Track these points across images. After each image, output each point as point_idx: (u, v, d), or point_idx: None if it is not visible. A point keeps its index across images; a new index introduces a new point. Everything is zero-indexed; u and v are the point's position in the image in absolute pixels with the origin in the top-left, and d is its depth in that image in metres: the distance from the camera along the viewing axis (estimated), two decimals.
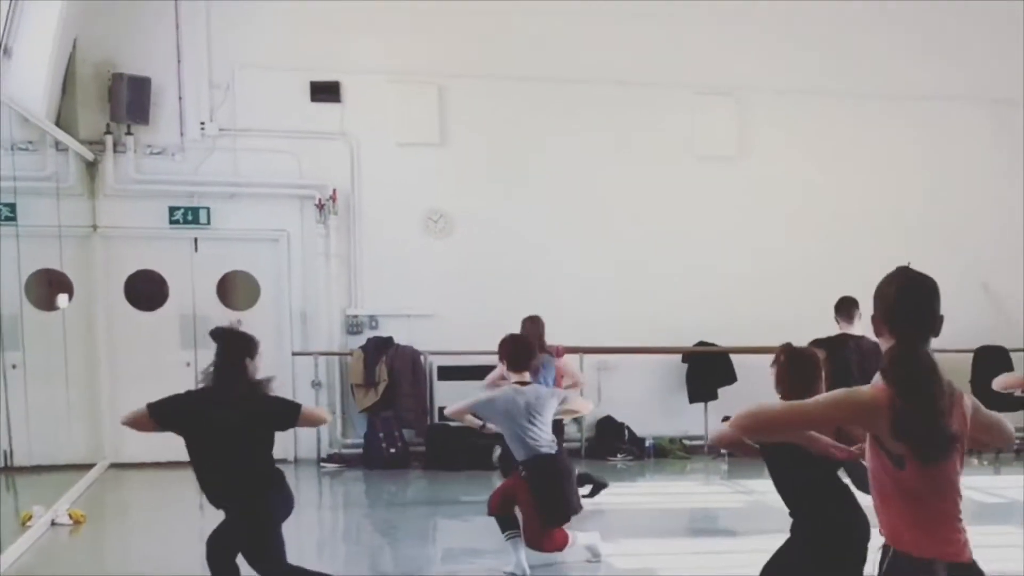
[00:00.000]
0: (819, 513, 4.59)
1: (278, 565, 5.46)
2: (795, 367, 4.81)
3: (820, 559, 4.55)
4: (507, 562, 7.09)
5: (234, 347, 5.39)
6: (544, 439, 6.97)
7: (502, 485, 7.43)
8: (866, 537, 4.43)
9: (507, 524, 7.11)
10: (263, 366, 5.52)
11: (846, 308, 8.79)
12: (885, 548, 3.16)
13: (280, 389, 12.90)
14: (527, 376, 7.19)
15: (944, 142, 13.70)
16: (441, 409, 12.28)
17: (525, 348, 7.35)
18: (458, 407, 7.20)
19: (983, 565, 3.22)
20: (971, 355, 12.91)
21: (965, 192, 13.64)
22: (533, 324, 9.23)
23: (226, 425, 5.27)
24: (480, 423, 7.28)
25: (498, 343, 7.34)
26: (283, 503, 5.55)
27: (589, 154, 12.99)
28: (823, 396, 3.23)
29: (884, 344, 3.23)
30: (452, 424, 11.95)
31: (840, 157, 13.47)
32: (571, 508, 7.07)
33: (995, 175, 13.69)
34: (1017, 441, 12.63)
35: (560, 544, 7.15)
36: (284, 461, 12.20)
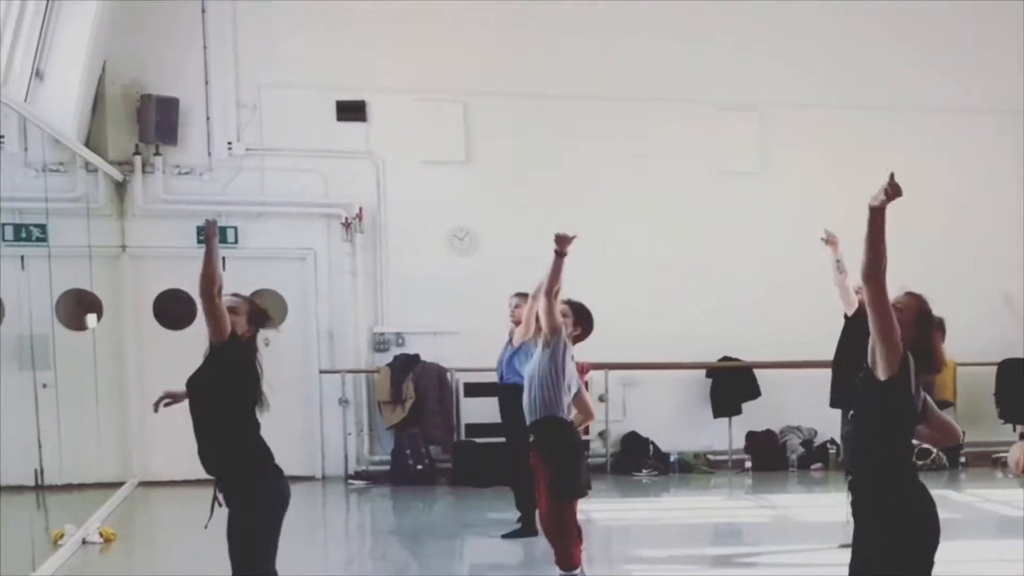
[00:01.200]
0: None
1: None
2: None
3: None
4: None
5: None
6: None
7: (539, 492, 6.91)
8: None
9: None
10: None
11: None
12: None
13: (308, 406, 13.07)
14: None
15: (967, 155, 13.67)
16: (467, 425, 12.37)
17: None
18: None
19: None
20: (994, 368, 12.87)
21: (988, 205, 13.58)
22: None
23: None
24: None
25: (575, 307, 7.01)
26: None
27: (612, 170, 13.02)
28: None
29: None
30: (478, 441, 12.04)
31: (862, 170, 13.39)
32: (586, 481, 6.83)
33: (1018, 187, 13.62)
34: None
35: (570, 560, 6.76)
36: (312, 479, 12.29)
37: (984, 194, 13.64)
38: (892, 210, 13.54)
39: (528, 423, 6.75)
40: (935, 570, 4.09)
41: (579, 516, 9.21)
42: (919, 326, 4.40)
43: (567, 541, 6.75)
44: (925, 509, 4.26)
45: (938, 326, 4.56)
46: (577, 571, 6.77)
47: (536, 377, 6.67)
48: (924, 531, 4.25)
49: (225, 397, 5.15)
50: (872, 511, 4.24)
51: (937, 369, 4.44)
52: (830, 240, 8.78)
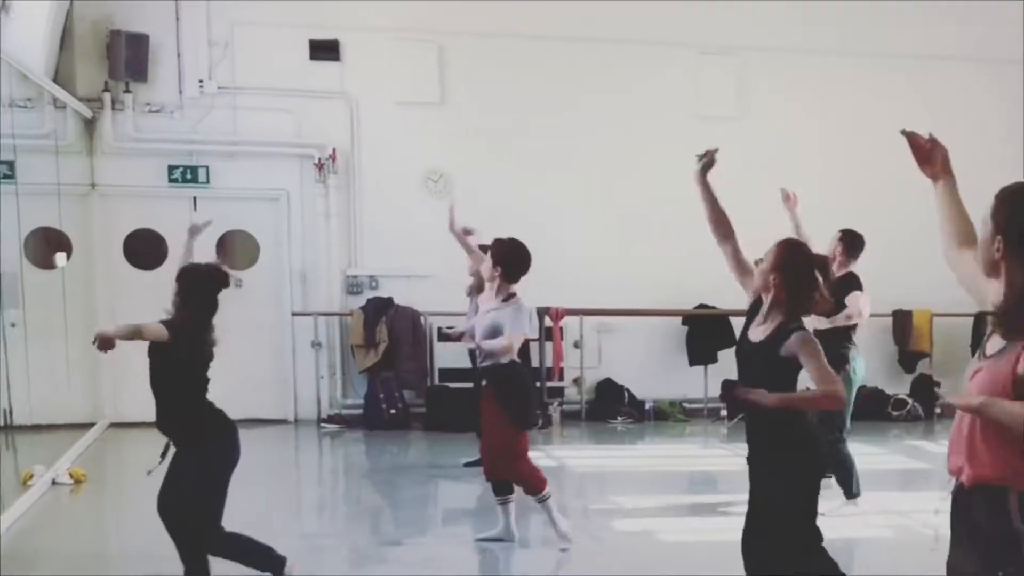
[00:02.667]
0: None
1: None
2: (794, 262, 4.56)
3: None
4: (493, 525, 7.08)
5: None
6: None
7: (483, 438, 7.19)
8: None
9: (503, 489, 7.01)
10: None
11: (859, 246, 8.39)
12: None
13: (280, 349, 12.98)
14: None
15: (954, 104, 13.56)
16: (441, 370, 12.32)
17: (527, 258, 6.94)
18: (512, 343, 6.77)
19: None
20: (971, 319, 12.90)
21: (975, 154, 13.45)
22: None
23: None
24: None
25: (497, 247, 6.90)
26: None
27: (589, 113, 12.90)
28: None
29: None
30: (452, 385, 12.00)
31: (843, 117, 13.38)
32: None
33: (1008, 137, 13.56)
34: None
35: (536, 479, 6.92)
36: (284, 422, 12.23)
37: (974, 145, 13.53)
38: (871, 156, 13.49)
39: (482, 369, 7.03)
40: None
41: (552, 463, 9.24)
42: (784, 270, 4.51)
43: (528, 467, 6.94)
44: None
45: (810, 270, 4.56)
46: (546, 491, 6.95)
47: (482, 331, 6.88)
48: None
49: (176, 374, 5.55)
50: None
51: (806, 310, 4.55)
52: (788, 199, 8.25)
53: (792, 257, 4.55)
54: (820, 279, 4.52)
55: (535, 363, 11.40)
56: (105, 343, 5.25)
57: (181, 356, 5.47)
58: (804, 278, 4.49)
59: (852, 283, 7.91)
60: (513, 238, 6.98)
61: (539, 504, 7.01)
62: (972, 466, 3.11)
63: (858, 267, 8.19)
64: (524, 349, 7.34)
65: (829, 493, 7.97)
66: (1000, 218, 3.08)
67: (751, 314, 4.65)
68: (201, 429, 5.54)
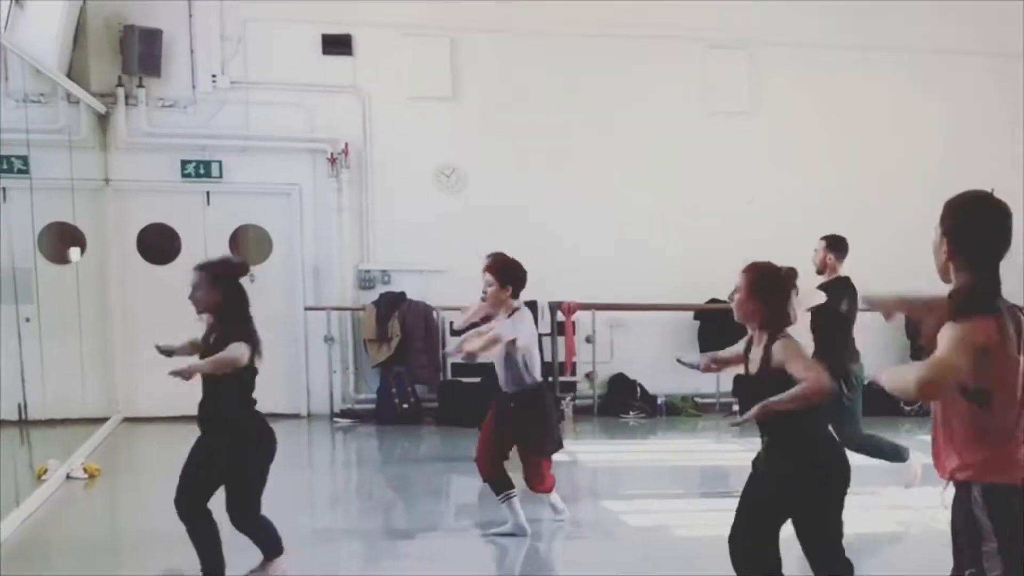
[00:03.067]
0: None
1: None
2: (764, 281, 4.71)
3: None
4: (504, 522, 7.12)
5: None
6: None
7: (482, 439, 7.21)
8: None
9: (502, 486, 7.07)
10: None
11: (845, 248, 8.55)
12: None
13: (293, 344, 13.03)
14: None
15: (963, 97, 13.53)
16: (453, 365, 12.33)
17: (525, 273, 7.14)
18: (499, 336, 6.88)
19: None
20: None
21: (984, 149, 13.45)
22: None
23: None
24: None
25: (500, 265, 6.98)
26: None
27: (601, 108, 12.90)
28: (953, 345, 3.19)
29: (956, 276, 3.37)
30: (464, 380, 12.01)
31: (853, 111, 13.34)
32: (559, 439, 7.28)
33: (1015, 132, 13.49)
34: None
35: (550, 485, 7.26)
36: (297, 416, 12.27)
37: (981, 138, 13.52)
38: (882, 151, 13.35)
39: (507, 393, 7.07)
40: None
41: (565, 457, 9.27)
42: (758, 295, 4.65)
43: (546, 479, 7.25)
44: None
45: (778, 286, 4.71)
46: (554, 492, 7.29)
47: (500, 358, 6.98)
48: None
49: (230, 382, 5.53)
50: None
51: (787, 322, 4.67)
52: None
53: (762, 279, 4.69)
54: (791, 291, 4.70)
55: (547, 358, 11.40)
56: (189, 376, 5.29)
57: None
58: (779, 294, 4.67)
59: (846, 285, 8.05)
60: (506, 257, 7.08)
61: (506, 500, 7.07)
62: (941, 464, 3.41)
63: (862, 264, 8.30)
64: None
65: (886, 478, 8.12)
66: (946, 225, 3.45)
67: (745, 353, 4.80)
68: (243, 431, 5.60)
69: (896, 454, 8.13)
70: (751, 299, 4.65)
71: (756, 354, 4.64)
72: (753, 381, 4.63)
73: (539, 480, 7.22)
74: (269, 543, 5.81)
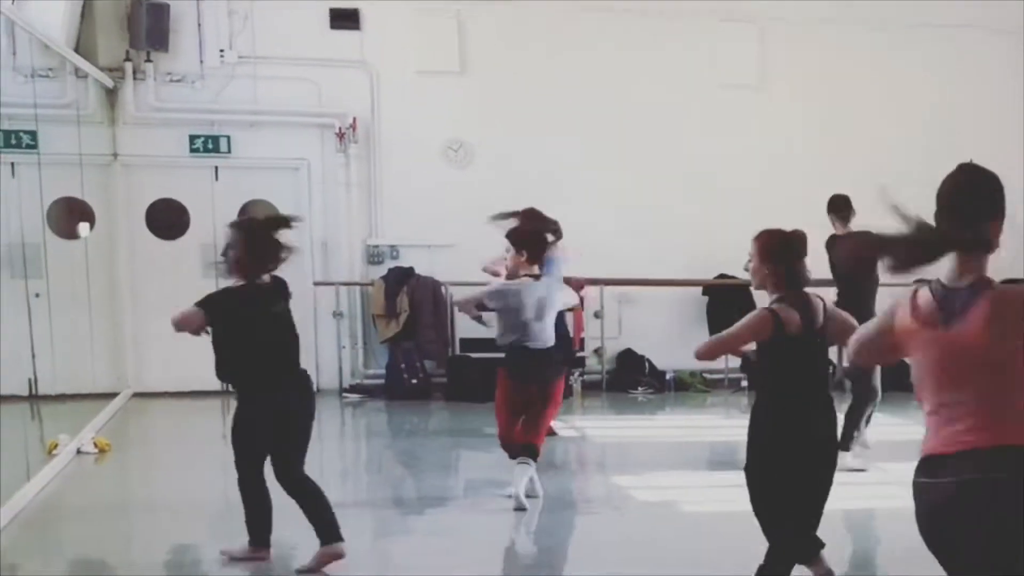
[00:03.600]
0: None
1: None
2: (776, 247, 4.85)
3: None
4: (514, 485, 7.12)
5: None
6: (545, 338, 7.13)
7: (499, 400, 7.29)
8: None
9: (517, 450, 7.10)
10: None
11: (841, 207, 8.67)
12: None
13: (302, 319, 13.03)
14: (537, 269, 7.16)
15: (967, 73, 13.43)
16: (462, 340, 12.35)
17: (542, 239, 7.29)
18: (468, 296, 7.34)
19: None
20: None
21: (986, 124, 13.36)
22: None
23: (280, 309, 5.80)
24: (479, 315, 7.44)
25: (511, 231, 7.22)
26: None
27: (609, 82, 12.82)
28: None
29: None
30: (473, 356, 12.02)
31: (861, 85, 13.25)
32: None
33: (1017, 107, 13.39)
34: None
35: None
36: None
37: (983, 114, 13.43)
38: (891, 125, 13.26)
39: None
40: None
41: (573, 433, 9.29)
42: (771, 260, 4.78)
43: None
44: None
45: (789, 249, 4.84)
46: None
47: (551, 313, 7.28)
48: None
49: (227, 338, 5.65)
50: None
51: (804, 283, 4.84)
52: None
53: (773, 243, 4.82)
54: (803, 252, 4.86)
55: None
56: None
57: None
58: (791, 257, 4.79)
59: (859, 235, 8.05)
60: (526, 227, 7.24)
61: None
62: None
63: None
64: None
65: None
66: None
67: None
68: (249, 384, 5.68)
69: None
70: (765, 264, 4.77)
71: None
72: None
73: (537, 433, 7.16)
74: (257, 524, 5.77)
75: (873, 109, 13.26)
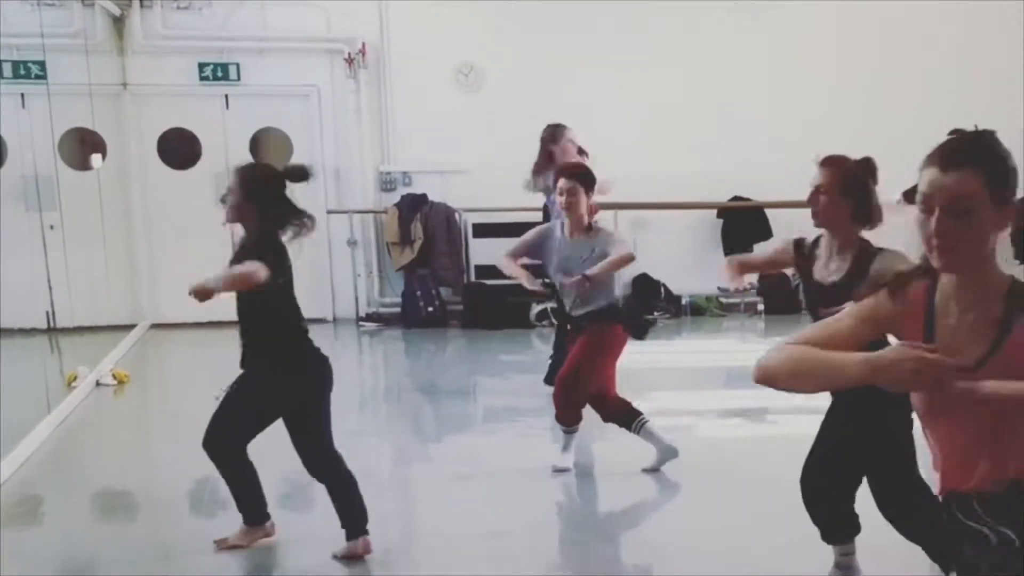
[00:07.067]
0: None
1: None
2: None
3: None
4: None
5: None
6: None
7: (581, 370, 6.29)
8: None
9: (630, 415, 6.50)
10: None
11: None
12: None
13: (316, 248, 13.03)
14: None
15: None
16: (477, 267, 12.31)
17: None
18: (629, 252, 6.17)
19: None
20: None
21: (1002, 52, 13.09)
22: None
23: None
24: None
25: (578, 171, 6.30)
26: None
27: (621, 5, 12.59)
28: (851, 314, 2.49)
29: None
30: (488, 283, 12.00)
31: (871, 5, 12.99)
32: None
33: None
34: None
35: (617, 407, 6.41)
36: (323, 321, 12.31)
37: (997, 41, 13.15)
38: (911, 47, 13.07)
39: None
40: None
41: None
42: (848, 192, 4.15)
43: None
44: None
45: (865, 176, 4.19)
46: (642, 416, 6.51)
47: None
48: None
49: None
50: None
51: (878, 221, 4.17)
52: None
53: (850, 173, 4.20)
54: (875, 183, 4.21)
55: None
56: (203, 295, 4.62)
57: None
58: (867, 190, 4.18)
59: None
60: (578, 163, 6.70)
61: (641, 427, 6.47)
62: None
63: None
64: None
65: None
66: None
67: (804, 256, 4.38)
68: (293, 360, 4.92)
69: None
70: (843, 199, 4.14)
71: (835, 264, 4.19)
72: (834, 291, 4.03)
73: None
74: (247, 501, 5.12)
75: (897, 29, 12.95)
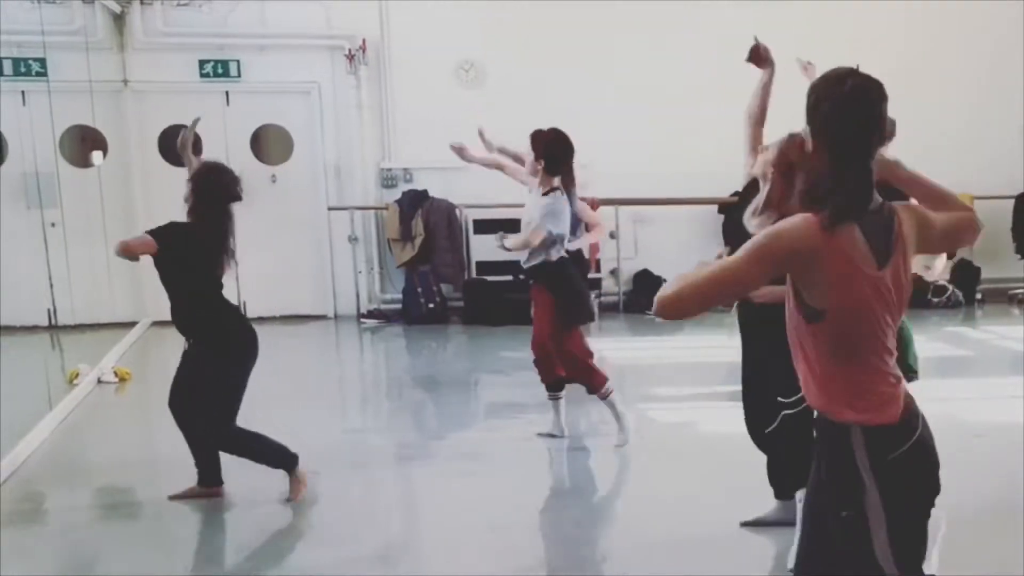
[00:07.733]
0: None
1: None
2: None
3: None
4: (535, 417, 7.13)
5: None
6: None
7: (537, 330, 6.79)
8: None
9: (553, 386, 6.96)
10: None
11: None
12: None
13: (318, 245, 13.02)
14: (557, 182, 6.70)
15: None
16: (478, 263, 12.31)
17: (569, 146, 6.77)
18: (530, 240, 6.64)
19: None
20: (1012, 201, 12.68)
21: (1009, 33, 13.11)
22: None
23: None
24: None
25: (539, 138, 6.72)
26: None
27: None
28: (744, 252, 2.67)
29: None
30: (489, 279, 12.00)
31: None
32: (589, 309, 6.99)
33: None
34: None
35: (598, 381, 6.77)
36: (324, 317, 12.32)
37: (1004, 21, 13.16)
38: (911, 38, 12.99)
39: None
40: None
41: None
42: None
43: (586, 363, 6.79)
44: None
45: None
46: (608, 386, 6.78)
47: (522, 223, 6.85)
48: None
49: (179, 277, 5.83)
50: None
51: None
52: (806, 70, 6.39)
53: None
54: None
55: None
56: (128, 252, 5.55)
57: (178, 258, 5.71)
58: None
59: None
60: (553, 128, 6.82)
61: (603, 401, 6.84)
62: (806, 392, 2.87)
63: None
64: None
65: None
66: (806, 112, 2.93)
67: None
68: (216, 333, 5.68)
69: None
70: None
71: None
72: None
73: (589, 375, 6.78)
74: (272, 456, 5.73)
75: (897, 19, 12.93)
